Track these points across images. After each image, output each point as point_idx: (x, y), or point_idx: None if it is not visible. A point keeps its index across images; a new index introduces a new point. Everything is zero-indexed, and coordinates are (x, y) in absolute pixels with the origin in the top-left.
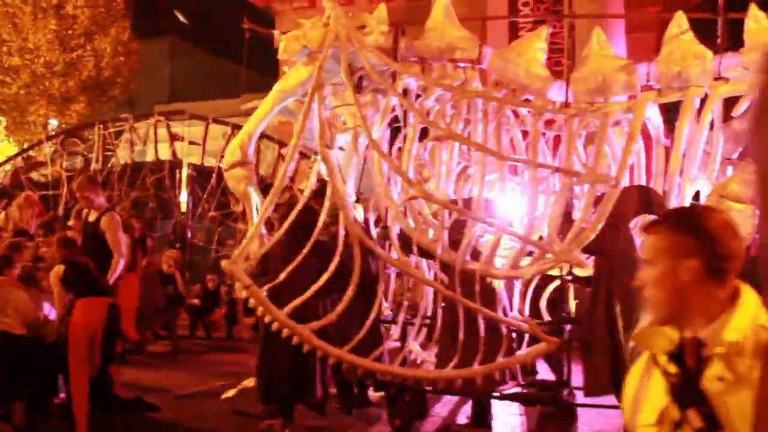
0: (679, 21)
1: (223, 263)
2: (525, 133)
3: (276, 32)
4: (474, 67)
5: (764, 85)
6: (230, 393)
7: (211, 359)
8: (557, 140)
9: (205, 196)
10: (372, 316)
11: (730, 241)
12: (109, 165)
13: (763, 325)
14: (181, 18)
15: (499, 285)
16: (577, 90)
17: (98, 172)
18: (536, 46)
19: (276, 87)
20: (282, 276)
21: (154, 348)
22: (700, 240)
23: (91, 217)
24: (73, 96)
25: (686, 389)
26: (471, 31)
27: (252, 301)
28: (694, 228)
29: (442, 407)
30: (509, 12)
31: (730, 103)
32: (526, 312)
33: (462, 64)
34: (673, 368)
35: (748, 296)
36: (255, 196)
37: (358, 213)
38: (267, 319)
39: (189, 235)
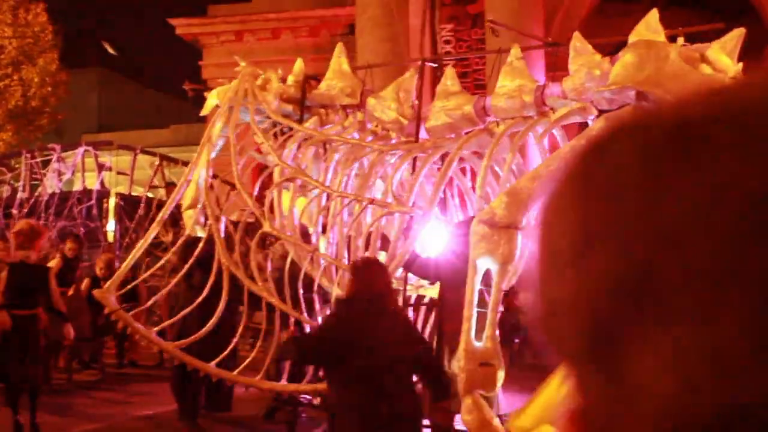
0: (515, 53)
1: (95, 292)
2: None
3: (206, 93)
4: (361, 111)
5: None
6: None
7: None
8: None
9: (133, 225)
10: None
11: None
12: (36, 194)
13: None
14: (109, 49)
15: None
16: (430, 126)
17: (25, 201)
18: (403, 87)
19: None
20: (151, 301)
21: (80, 377)
22: None
23: None
24: (1, 125)
25: None
26: (394, 71)
27: (120, 324)
28: None
29: None
30: (432, 52)
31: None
32: None
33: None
34: None
35: None
36: (199, 232)
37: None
38: (137, 337)
39: (116, 264)
